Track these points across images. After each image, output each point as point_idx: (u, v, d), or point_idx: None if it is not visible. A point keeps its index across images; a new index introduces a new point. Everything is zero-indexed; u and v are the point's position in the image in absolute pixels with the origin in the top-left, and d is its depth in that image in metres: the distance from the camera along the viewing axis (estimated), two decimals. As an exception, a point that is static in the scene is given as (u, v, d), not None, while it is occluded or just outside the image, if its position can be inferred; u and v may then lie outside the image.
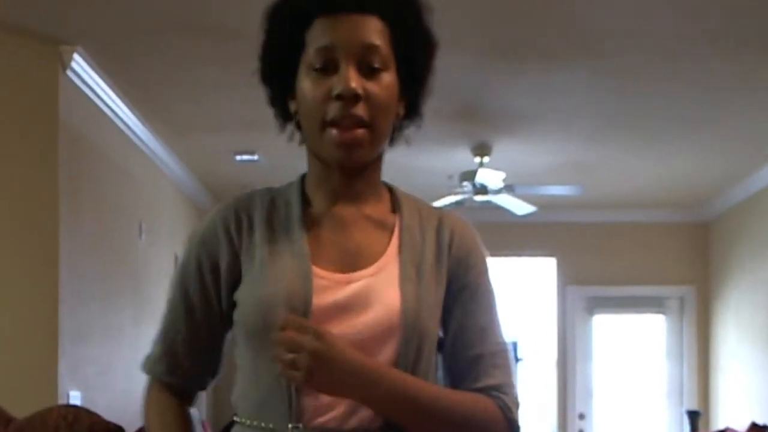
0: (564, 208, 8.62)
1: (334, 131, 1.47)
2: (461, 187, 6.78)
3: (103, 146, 5.47)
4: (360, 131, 1.47)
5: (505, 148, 6.67)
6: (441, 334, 1.56)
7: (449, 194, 6.89)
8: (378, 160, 1.58)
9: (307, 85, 1.49)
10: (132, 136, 5.99)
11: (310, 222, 1.55)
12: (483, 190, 6.73)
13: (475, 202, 6.89)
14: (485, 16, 4.32)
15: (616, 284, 8.95)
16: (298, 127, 1.57)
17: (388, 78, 1.50)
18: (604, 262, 8.93)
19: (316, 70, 1.49)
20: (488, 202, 6.94)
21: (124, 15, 4.31)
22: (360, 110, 1.47)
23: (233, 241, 1.53)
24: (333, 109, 1.47)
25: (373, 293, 1.48)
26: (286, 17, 1.52)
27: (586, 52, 4.78)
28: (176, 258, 7.20)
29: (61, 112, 4.65)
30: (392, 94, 1.51)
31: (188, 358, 1.58)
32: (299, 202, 1.56)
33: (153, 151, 6.47)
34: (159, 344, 1.60)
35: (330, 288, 1.48)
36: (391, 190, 1.64)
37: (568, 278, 9.00)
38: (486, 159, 6.70)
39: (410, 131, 1.63)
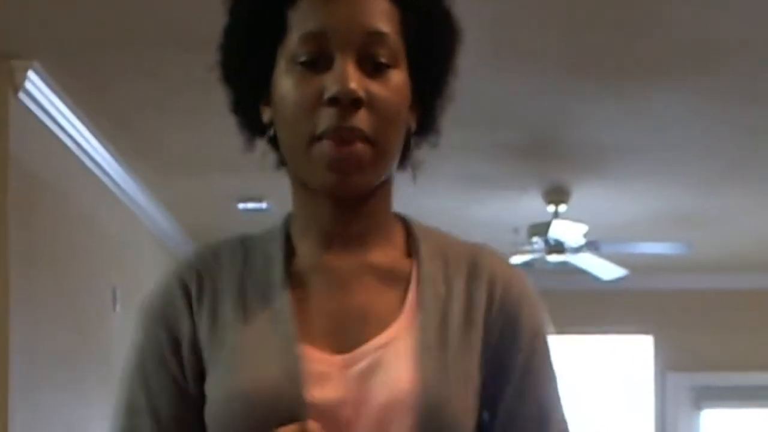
0: (665, 272, 8.64)
1: (325, 145, 1.43)
2: (530, 243, 6.82)
3: (66, 189, 5.47)
4: (360, 146, 1.43)
5: (587, 194, 6.68)
6: (486, 417, 1.50)
7: (515, 253, 6.89)
8: (385, 188, 1.53)
9: (288, 85, 1.46)
10: (103, 177, 6.00)
11: (296, 282, 1.51)
12: (558, 247, 6.79)
13: (548, 263, 6.93)
14: (562, 20, 4.31)
15: (731, 370, 8.96)
16: (273, 142, 1.53)
17: (398, 77, 1.48)
18: (716, 341, 8.94)
19: (301, 63, 1.46)
20: (565, 264, 6.98)
21: (94, 22, 4.32)
22: (361, 120, 1.43)
23: (194, 315, 1.50)
24: (325, 118, 1.43)
25: (380, 374, 1.44)
26: None
27: (700, 67, 4.76)
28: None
29: (12, 145, 4.68)
30: (403, 98, 1.49)
31: None
32: (282, 257, 1.52)
33: (130, 197, 6.48)
34: None
35: (327, 375, 1.44)
36: (406, 224, 1.59)
37: (669, 362, 9.04)
38: (562, 207, 6.75)
39: (423, 153, 1.60)
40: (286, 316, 1.46)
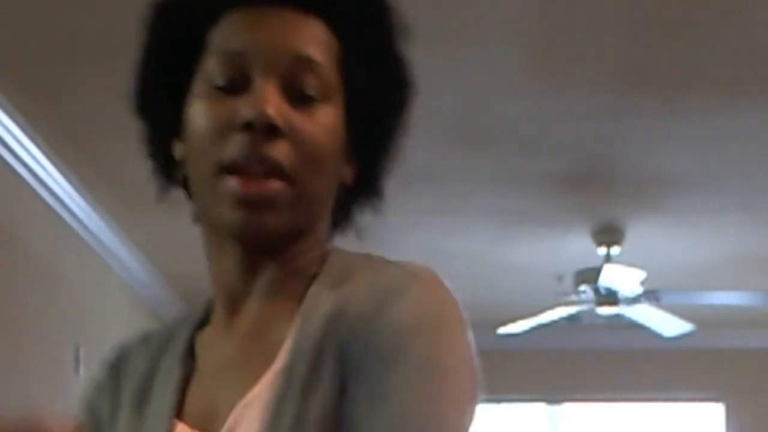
0: (739, 328, 8.67)
1: (232, 181, 1.46)
2: (577, 293, 6.83)
3: (18, 228, 5.48)
4: (274, 183, 1.46)
5: (645, 233, 6.71)
6: None
7: (558, 304, 6.94)
8: (308, 240, 1.54)
9: (199, 110, 1.50)
10: (63, 213, 6.00)
11: (201, 352, 1.61)
12: (611, 298, 6.79)
13: (599, 316, 6.94)
14: (615, 24, 4.33)
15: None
16: (187, 186, 1.57)
17: (328, 115, 1.51)
18: (802, 411, 9.01)
19: (217, 88, 1.50)
20: (619, 318, 6.99)
21: (54, 28, 4.34)
22: (278, 151, 1.46)
23: (103, 409, 1.65)
24: (235, 145, 1.46)
25: None
26: (180, 8, 1.56)
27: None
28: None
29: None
30: (332, 139, 1.51)
31: None
32: (189, 330, 1.63)
33: (97, 237, 6.49)
34: None
35: None
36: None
37: (743, 435, 9.09)
38: (615, 249, 6.77)
39: (365, 218, 1.62)
40: (170, 393, 1.56)
